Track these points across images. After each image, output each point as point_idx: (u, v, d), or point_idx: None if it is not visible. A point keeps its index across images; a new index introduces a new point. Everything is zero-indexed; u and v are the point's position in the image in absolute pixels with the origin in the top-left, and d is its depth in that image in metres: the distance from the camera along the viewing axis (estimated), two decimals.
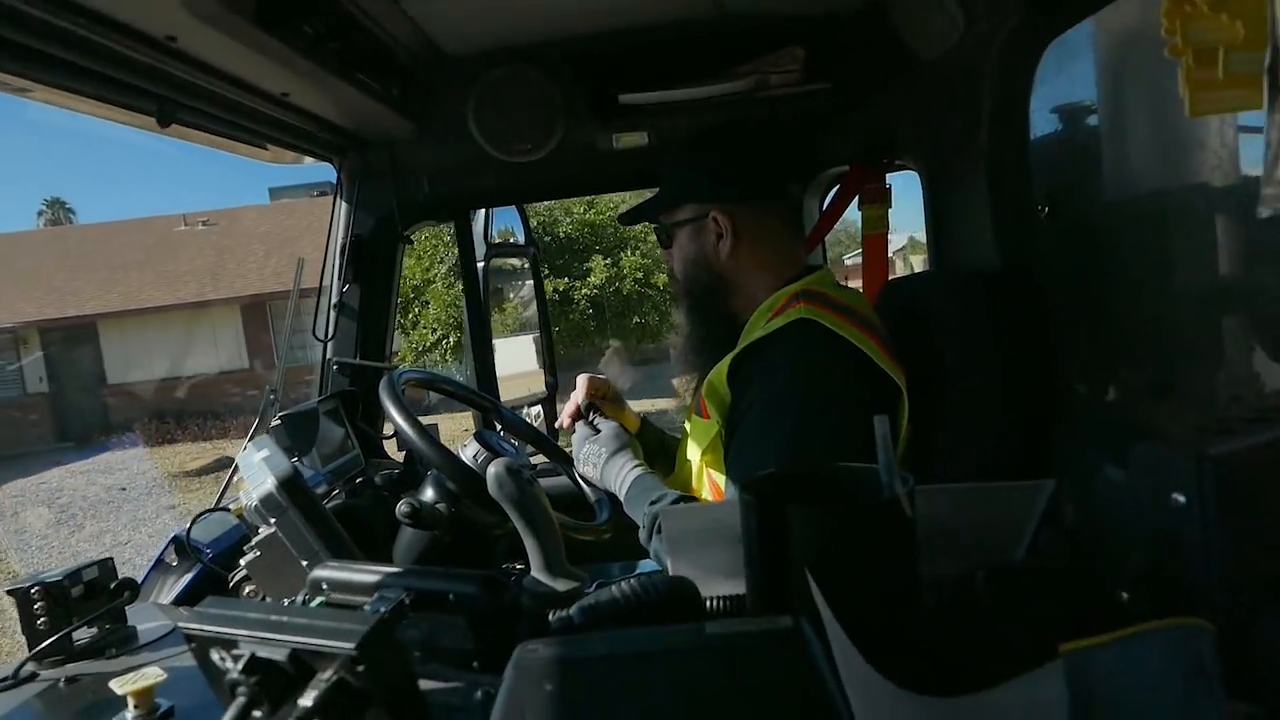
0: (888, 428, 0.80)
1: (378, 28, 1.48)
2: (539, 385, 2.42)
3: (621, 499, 1.40)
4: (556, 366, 2.44)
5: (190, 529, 1.32)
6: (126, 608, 1.09)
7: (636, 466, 1.42)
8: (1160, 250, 1.29)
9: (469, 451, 1.40)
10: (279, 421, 1.62)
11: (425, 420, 1.38)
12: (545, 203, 11.19)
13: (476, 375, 2.09)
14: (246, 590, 1.14)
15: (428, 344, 11.81)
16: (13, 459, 14.58)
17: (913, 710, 0.69)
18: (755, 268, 1.43)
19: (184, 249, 18.90)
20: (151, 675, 0.83)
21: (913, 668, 0.74)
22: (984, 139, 1.45)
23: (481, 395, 1.71)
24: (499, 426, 1.69)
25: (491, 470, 1.14)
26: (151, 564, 1.39)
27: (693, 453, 1.43)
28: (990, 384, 1.36)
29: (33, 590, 0.99)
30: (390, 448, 2.02)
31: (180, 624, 0.65)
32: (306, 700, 0.59)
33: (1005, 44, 1.36)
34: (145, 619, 1.13)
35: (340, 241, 1.93)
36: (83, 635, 1.03)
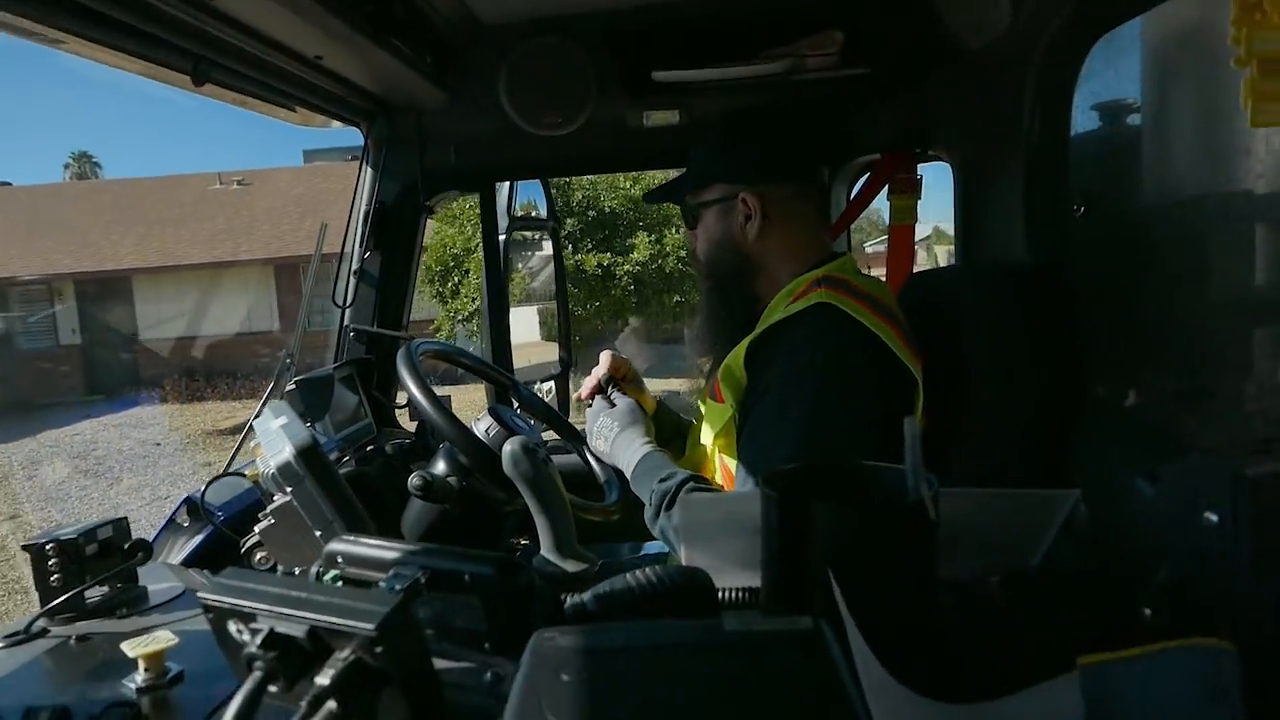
0: (917, 428, 0.78)
1: None
2: (539, 357, 2.42)
3: (629, 475, 1.40)
4: (572, 342, 2.43)
5: (204, 491, 1.32)
6: (138, 567, 1.09)
7: (647, 444, 1.42)
8: (1196, 256, 1.27)
9: (482, 426, 1.39)
10: (294, 386, 1.62)
11: (438, 391, 1.38)
12: (589, 177, 11.10)
13: (492, 348, 2.08)
14: (259, 557, 1.14)
15: (466, 313, 11.82)
16: (44, 409, 14.73)
17: (929, 715, 0.69)
18: (781, 251, 1.42)
19: (219, 208, 18.92)
20: (163, 639, 0.84)
21: (929, 672, 0.74)
22: (1023, 133, 1.43)
23: (498, 370, 1.70)
24: (514, 402, 1.68)
25: (507, 448, 1.13)
26: (163, 524, 1.40)
27: (706, 437, 1.42)
28: (1013, 383, 1.34)
29: (48, 546, 1.00)
30: (402, 417, 2.02)
31: (200, 594, 0.65)
32: (323, 679, 0.59)
33: (1053, 37, 1.33)
34: (156, 579, 1.14)
35: (364, 208, 1.92)
36: (94, 594, 1.03)
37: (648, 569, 0.82)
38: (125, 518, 1.09)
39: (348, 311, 1.94)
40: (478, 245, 12.42)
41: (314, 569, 0.86)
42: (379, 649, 0.60)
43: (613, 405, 1.52)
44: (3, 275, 17.24)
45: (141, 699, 0.82)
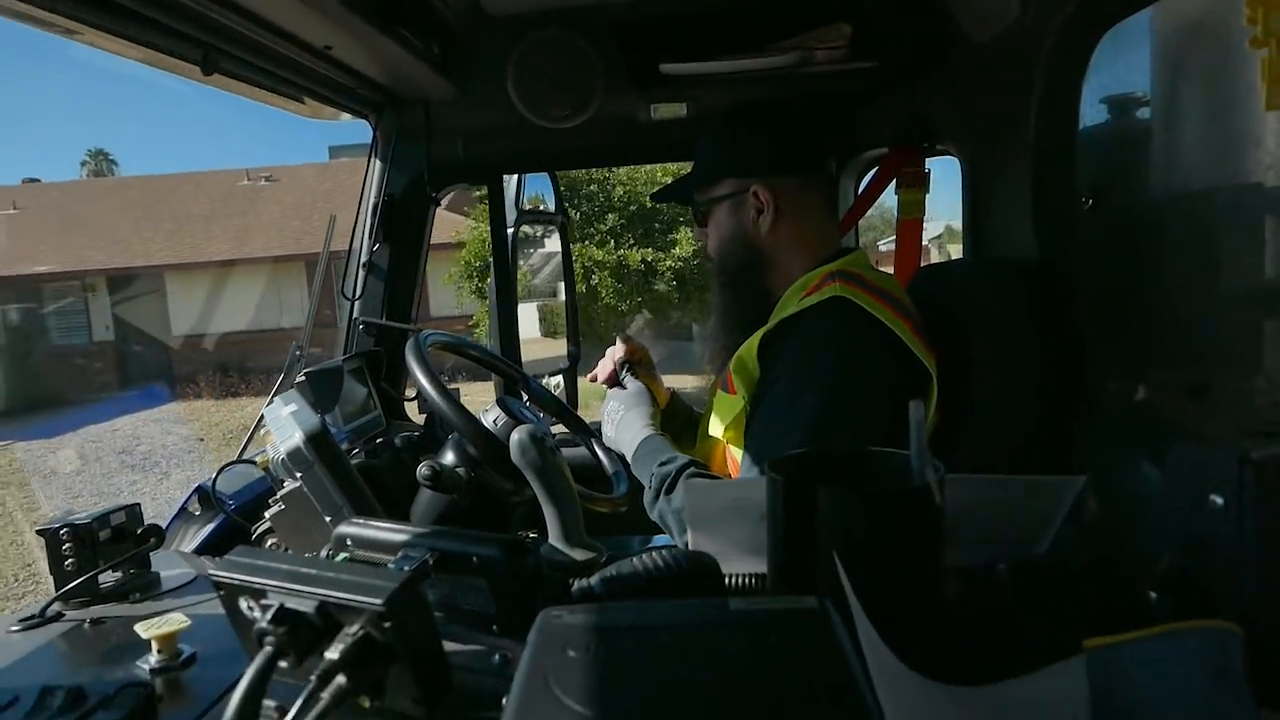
0: (922, 413, 0.79)
1: None
2: (540, 353, 2.42)
3: (629, 456, 1.42)
4: (580, 336, 2.43)
5: (215, 480, 1.34)
6: (150, 554, 1.10)
7: (648, 426, 1.44)
8: (1205, 249, 1.26)
9: (490, 417, 1.40)
10: (304, 378, 1.63)
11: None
12: (630, 171, 11.12)
13: (501, 342, 2.09)
14: (269, 543, 1.15)
15: None
16: (80, 405, 14.85)
17: (935, 697, 0.69)
18: (794, 244, 1.42)
19: (248, 204, 19.01)
20: (175, 621, 0.85)
21: (935, 655, 0.74)
22: (1031, 126, 1.42)
23: (506, 363, 1.70)
24: (523, 395, 1.69)
25: (515, 437, 1.13)
26: (175, 512, 1.41)
27: (716, 429, 1.43)
28: (1021, 375, 1.34)
29: (62, 531, 1.01)
30: (411, 410, 2.03)
31: (210, 571, 0.66)
32: (333, 653, 0.59)
33: (1061, 29, 1.32)
34: (168, 566, 1.15)
35: (372, 200, 1.93)
36: (107, 579, 1.05)
37: (654, 553, 0.83)
38: (138, 504, 1.10)
39: (356, 304, 1.95)
40: None
41: (324, 552, 0.87)
42: (387, 624, 0.61)
43: (624, 389, 1.54)
44: (37, 271, 17.42)
45: (155, 680, 0.83)
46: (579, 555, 1.11)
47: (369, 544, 0.84)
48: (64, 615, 0.99)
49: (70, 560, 1.01)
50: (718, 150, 1.49)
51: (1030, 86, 1.40)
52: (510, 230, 2.08)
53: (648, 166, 11.08)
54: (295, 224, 17.52)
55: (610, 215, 11.33)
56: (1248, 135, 1.14)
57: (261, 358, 16.06)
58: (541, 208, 2.35)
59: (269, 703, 0.67)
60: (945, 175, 1.96)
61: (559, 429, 1.82)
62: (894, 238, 1.97)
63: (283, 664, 0.61)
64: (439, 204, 2.00)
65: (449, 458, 1.38)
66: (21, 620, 0.98)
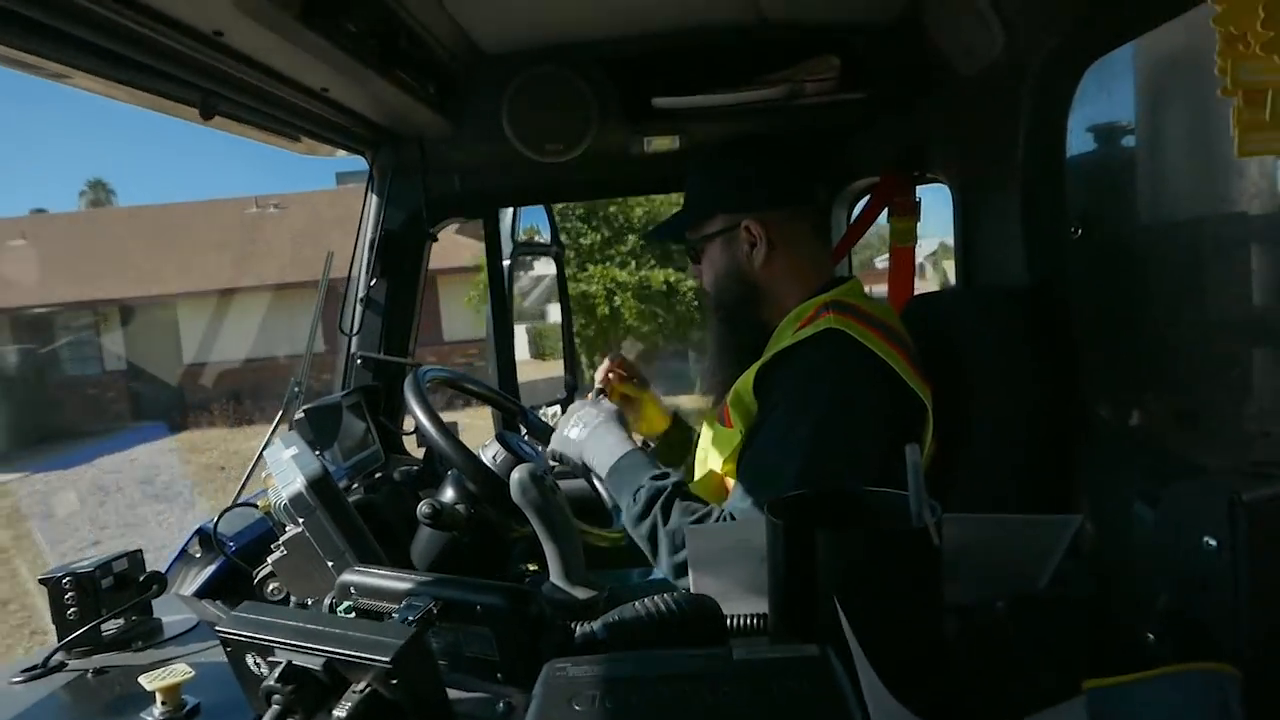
0: (919, 455, 0.80)
1: (418, 25, 1.48)
2: (529, 375, 2.42)
3: (607, 466, 1.37)
4: (579, 366, 2.44)
5: (217, 522, 1.34)
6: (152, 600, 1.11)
7: (629, 441, 1.41)
8: (1194, 276, 1.28)
9: (490, 453, 1.40)
10: (302, 414, 1.63)
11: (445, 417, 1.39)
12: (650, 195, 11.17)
13: (498, 373, 2.10)
14: (271, 588, 1.15)
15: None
16: (95, 435, 14.75)
17: None
18: (788, 276, 1.43)
19: (258, 231, 19.00)
20: (179, 672, 0.85)
21: (937, 697, 0.75)
22: (1019, 156, 1.44)
23: (505, 396, 1.71)
24: (521, 428, 1.70)
25: (515, 476, 1.14)
26: (175, 555, 1.41)
27: (714, 461, 1.43)
28: (1016, 403, 1.35)
29: (64, 580, 1.01)
30: (410, 443, 2.04)
31: (218, 628, 0.66)
32: (340, 711, 0.60)
33: (1045, 62, 1.35)
34: (170, 611, 1.15)
35: (369, 235, 1.94)
36: (110, 627, 1.05)
37: (657, 597, 0.83)
38: (140, 550, 1.10)
39: (354, 339, 1.96)
40: None
41: (328, 600, 0.87)
42: (394, 680, 0.61)
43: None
44: (48, 302, 17.34)
45: None
46: (580, 593, 1.12)
47: (373, 593, 0.84)
48: (66, 665, 0.99)
49: (73, 609, 1.01)
50: (707, 187, 1.50)
51: (1018, 117, 1.42)
52: (506, 262, 2.10)
53: None
54: (306, 251, 17.50)
55: (631, 236, 11.40)
56: (1232, 165, 1.17)
57: (275, 385, 15.77)
58: (537, 238, 2.37)
59: None
60: (938, 197, 1.98)
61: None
62: (889, 255, 1.99)
63: None
64: (435, 239, 2.01)
65: (448, 494, 1.39)
66: (24, 670, 0.98)
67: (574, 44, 1.71)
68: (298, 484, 1.04)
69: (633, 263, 11.29)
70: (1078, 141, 1.42)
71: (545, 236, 2.39)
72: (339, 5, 1.23)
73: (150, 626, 1.07)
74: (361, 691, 0.62)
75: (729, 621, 0.87)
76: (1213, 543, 0.70)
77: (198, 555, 1.39)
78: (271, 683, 0.62)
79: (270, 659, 0.65)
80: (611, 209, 11.36)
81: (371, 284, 1.94)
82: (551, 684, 0.64)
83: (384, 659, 0.61)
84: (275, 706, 0.61)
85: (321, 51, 1.27)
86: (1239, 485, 0.70)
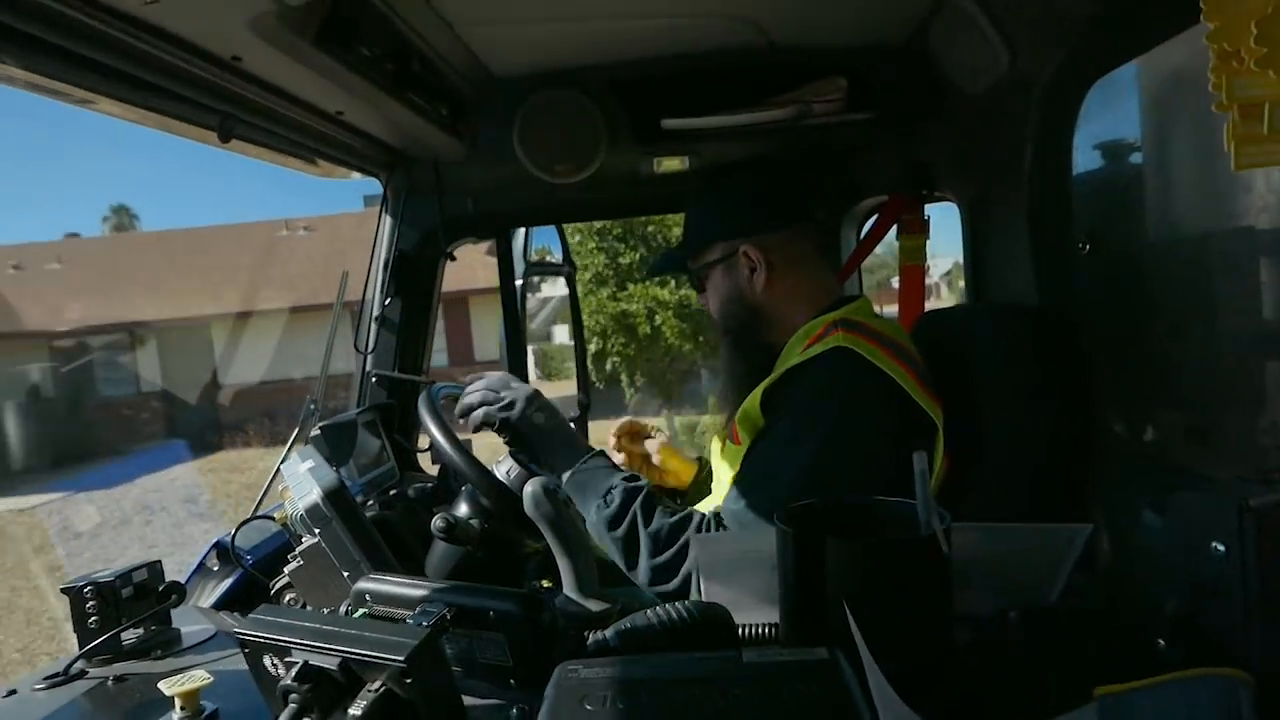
0: (926, 463, 0.81)
1: (431, 50, 1.52)
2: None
3: (568, 470, 1.34)
4: (589, 386, 2.46)
5: (234, 535, 1.35)
6: (171, 610, 1.12)
7: (589, 447, 1.41)
8: (1202, 292, 1.29)
9: (503, 468, 1.41)
10: (319, 431, 1.65)
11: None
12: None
13: None
14: (288, 598, 1.17)
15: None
16: (133, 455, 15.00)
17: None
18: (791, 296, 1.45)
19: (289, 253, 19.30)
20: (198, 678, 0.86)
21: (947, 703, 0.75)
22: (1025, 173, 1.46)
23: None
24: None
25: (528, 490, 1.15)
26: (193, 568, 1.43)
27: (725, 477, 1.44)
28: (1027, 420, 1.36)
29: (86, 590, 1.03)
30: (424, 460, 2.05)
31: (235, 629, 0.68)
32: (355, 709, 0.61)
33: (1049, 82, 1.36)
34: (188, 622, 1.16)
35: (384, 255, 1.97)
36: (129, 636, 1.06)
37: (669, 605, 0.84)
38: (159, 561, 1.12)
39: (369, 357, 1.98)
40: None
41: (343, 607, 0.89)
42: (409, 680, 0.62)
43: None
44: (84, 324, 17.64)
45: None
46: (593, 606, 1.13)
47: (388, 599, 0.85)
48: (87, 673, 1.01)
49: (94, 618, 1.03)
50: (703, 217, 1.53)
51: (1024, 135, 1.44)
52: (519, 282, 2.12)
53: None
54: (336, 272, 17.65)
55: None
56: (1238, 180, 1.17)
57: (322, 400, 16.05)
58: (549, 259, 2.39)
59: None
60: (949, 215, 2.00)
61: None
62: (899, 273, 2.00)
63: None
64: (453, 258, 2.04)
65: (462, 510, 1.40)
66: (46, 678, 0.99)
67: (584, 67, 1.74)
68: (314, 495, 1.06)
69: (673, 281, 11.35)
70: (1084, 158, 1.43)
71: (556, 257, 2.41)
72: (354, 30, 1.26)
73: (169, 635, 1.09)
74: (376, 691, 0.63)
75: (740, 630, 0.88)
76: (1221, 548, 0.70)
77: (215, 568, 1.40)
78: (288, 681, 0.63)
79: (287, 659, 0.66)
80: (650, 227, 11.41)
81: (386, 303, 1.97)
82: (563, 685, 0.65)
83: (398, 658, 0.62)
84: (292, 705, 0.62)
85: (337, 75, 1.30)
86: (1247, 491, 0.70)
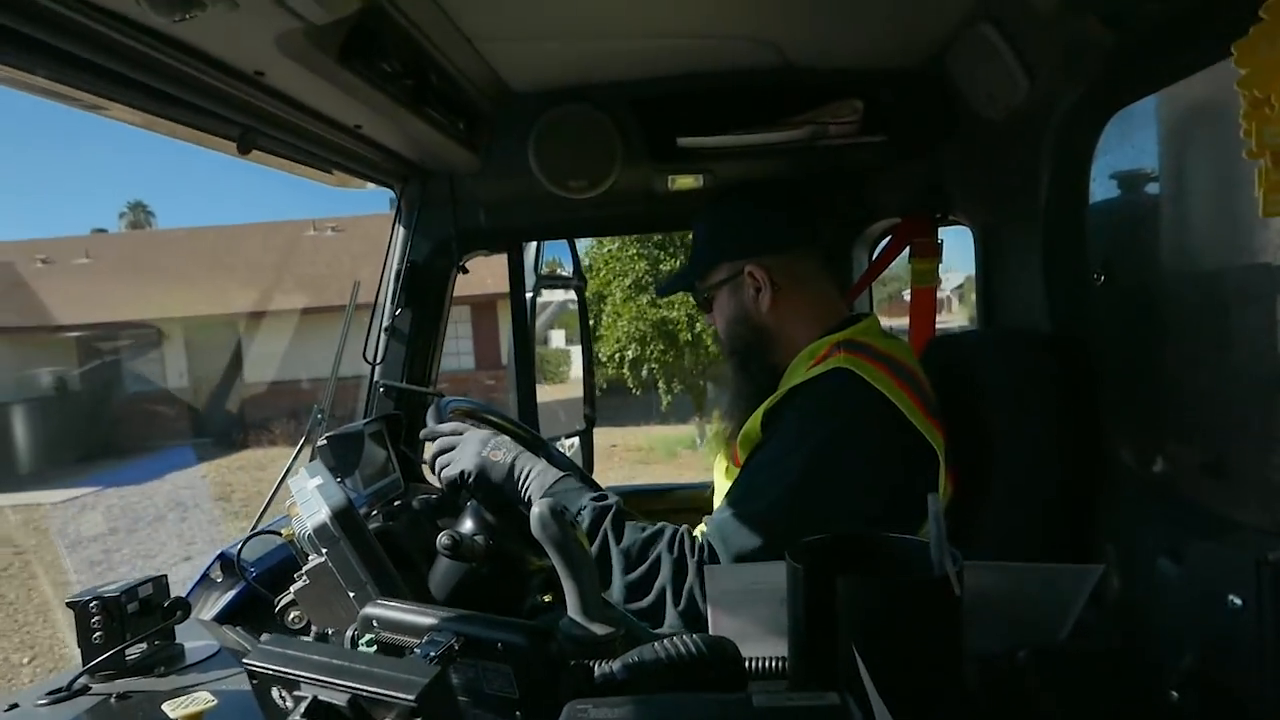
0: (940, 506, 0.80)
1: (451, 65, 1.52)
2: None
3: (540, 491, 1.31)
4: (596, 399, 2.45)
5: (240, 548, 1.35)
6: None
7: (555, 468, 1.36)
8: (1218, 326, 1.28)
9: (466, 527, 1.41)
10: (324, 442, 1.65)
11: None
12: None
13: (519, 404, 2.11)
14: (291, 616, 1.16)
15: (608, 355, 11.93)
16: (161, 451, 15.01)
17: None
18: (797, 316, 1.45)
19: (317, 253, 19.40)
20: (202, 700, 0.86)
21: None
22: (1041, 201, 1.45)
23: (523, 427, 1.72)
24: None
25: (535, 510, 1.15)
26: (196, 579, 1.42)
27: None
28: (1036, 449, 1.35)
29: (91, 604, 1.02)
30: (430, 472, 2.05)
31: (245, 660, 0.67)
32: None
33: (1068, 111, 1.36)
34: (191, 635, 1.16)
35: (395, 266, 1.97)
36: (133, 651, 1.06)
37: (677, 639, 0.84)
38: (165, 575, 1.12)
39: (377, 367, 1.98)
40: (616, 289, 12.50)
41: (350, 632, 0.88)
42: (418, 718, 0.62)
43: None
44: (112, 319, 17.73)
45: None
46: (598, 629, 1.12)
47: (395, 626, 0.85)
48: (91, 689, 1.01)
49: (98, 633, 1.02)
50: (709, 238, 1.54)
51: (1039, 164, 1.44)
52: (530, 295, 2.12)
53: None
54: (364, 273, 17.66)
55: None
56: (1255, 216, 1.17)
57: (334, 405, 16.03)
58: (560, 271, 2.39)
59: None
60: (963, 233, 1.99)
61: None
62: (910, 295, 1.99)
63: None
64: (466, 270, 2.04)
65: (468, 526, 1.40)
66: (49, 693, 0.99)
67: (601, 84, 1.74)
68: (322, 515, 1.05)
69: None
70: (1100, 188, 1.43)
71: (566, 269, 2.41)
72: (376, 47, 1.26)
73: (172, 652, 1.09)
74: None
75: (748, 664, 0.87)
76: (1238, 601, 0.70)
77: (219, 580, 1.40)
78: (297, 718, 0.63)
79: (296, 693, 0.66)
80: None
81: (396, 314, 1.97)
82: None
83: (409, 697, 0.61)
84: None
85: (357, 91, 1.31)
86: (1265, 544, 0.70)
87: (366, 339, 1.99)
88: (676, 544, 1.25)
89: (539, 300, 2.24)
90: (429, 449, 1.42)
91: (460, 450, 1.38)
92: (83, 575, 7.64)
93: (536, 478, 1.32)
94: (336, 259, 18.72)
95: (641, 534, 1.26)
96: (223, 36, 1.09)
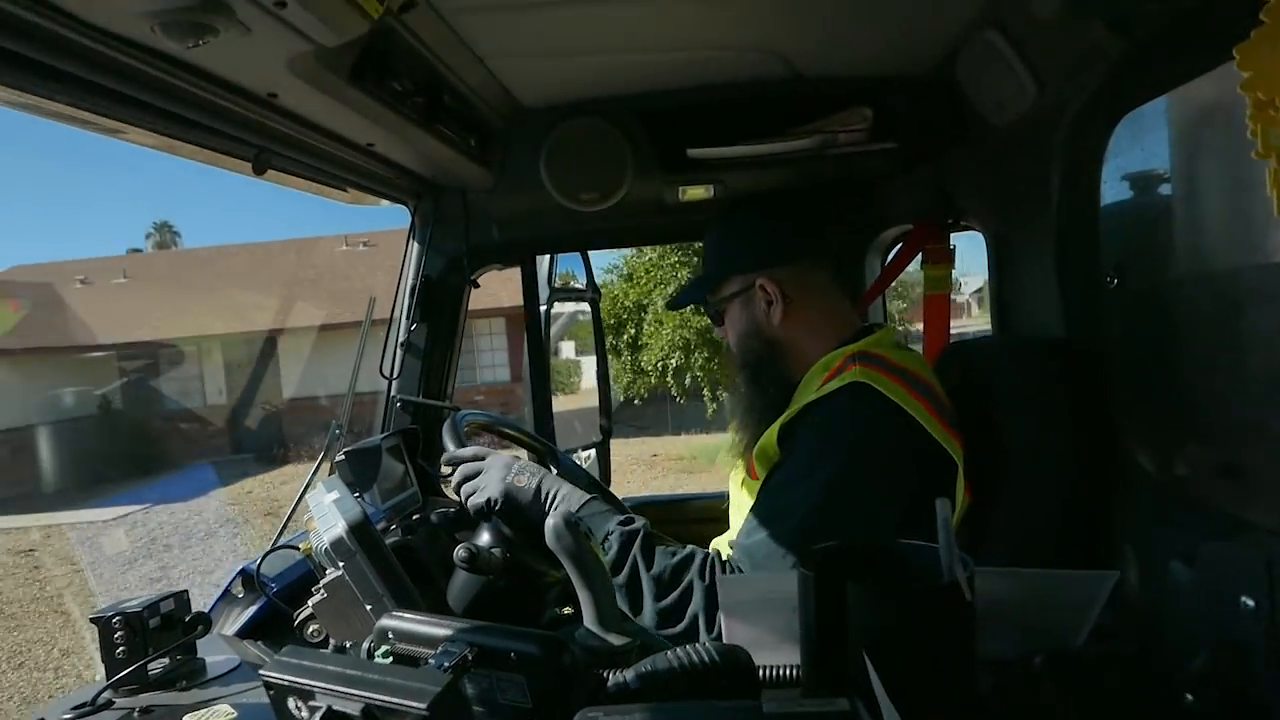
0: (949, 511, 0.80)
1: (462, 83, 1.54)
2: None
3: (572, 508, 1.30)
4: (612, 410, 2.46)
5: (260, 563, 1.37)
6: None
7: (582, 491, 1.36)
8: (1232, 327, 1.27)
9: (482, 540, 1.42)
10: (343, 456, 1.66)
11: None
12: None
13: (534, 416, 2.13)
14: (310, 629, 1.17)
15: (653, 363, 11.96)
16: (201, 468, 15.21)
17: None
18: (809, 328, 1.45)
19: (352, 268, 19.58)
20: (223, 714, 0.87)
21: None
22: (1053, 206, 1.45)
23: (539, 440, 1.74)
24: (554, 471, 1.71)
25: (550, 522, 1.15)
26: (218, 595, 1.44)
27: (743, 509, 1.43)
28: (1052, 455, 1.34)
29: (114, 620, 1.04)
30: (447, 486, 2.06)
31: (262, 671, 0.68)
32: None
33: (1078, 115, 1.36)
34: (212, 650, 1.18)
35: (410, 281, 1.99)
36: (155, 666, 1.07)
37: (690, 647, 0.84)
38: (186, 591, 1.13)
39: (394, 382, 2.00)
40: (650, 301, 12.52)
41: (366, 644, 0.89)
42: None
43: None
44: (153, 338, 17.99)
45: None
46: (614, 640, 1.13)
47: (410, 638, 0.86)
48: (114, 703, 1.02)
49: (121, 648, 1.04)
50: (720, 251, 1.54)
51: (1050, 168, 1.43)
52: (544, 308, 2.14)
53: None
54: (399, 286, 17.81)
55: None
56: (1269, 216, 1.16)
57: (370, 418, 16.08)
58: (572, 284, 2.41)
59: None
60: (977, 235, 1.98)
61: None
62: (924, 302, 1.98)
63: None
64: (477, 285, 2.06)
65: (484, 539, 1.41)
66: (74, 708, 1.01)
67: (611, 97, 1.76)
68: (339, 529, 1.07)
69: None
70: (1112, 191, 1.42)
71: (579, 282, 2.43)
72: (387, 66, 1.29)
73: (194, 666, 1.10)
74: None
75: (761, 673, 0.88)
76: (1251, 603, 0.69)
77: (240, 595, 1.42)
78: None
79: (311, 703, 0.67)
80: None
81: (412, 329, 1.99)
82: None
83: (420, 705, 0.62)
84: None
85: (369, 110, 1.33)
86: (1277, 546, 0.69)
87: (383, 354, 2.02)
88: (708, 570, 1.24)
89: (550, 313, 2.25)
90: (453, 476, 1.42)
91: (485, 477, 1.38)
92: (144, 591, 7.65)
93: (563, 502, 1.32)
94: (370, 273, 18.84)
95: (671, 559, 1.25)
96: (236, 61, 1.11)
